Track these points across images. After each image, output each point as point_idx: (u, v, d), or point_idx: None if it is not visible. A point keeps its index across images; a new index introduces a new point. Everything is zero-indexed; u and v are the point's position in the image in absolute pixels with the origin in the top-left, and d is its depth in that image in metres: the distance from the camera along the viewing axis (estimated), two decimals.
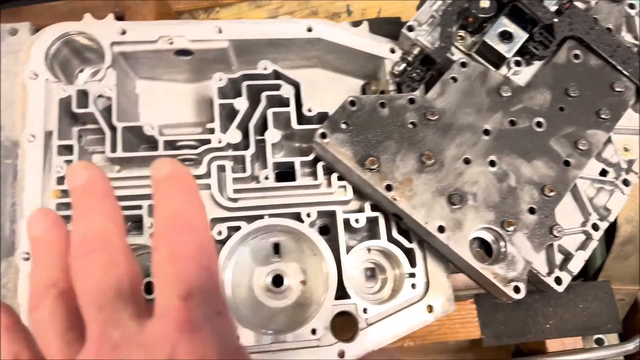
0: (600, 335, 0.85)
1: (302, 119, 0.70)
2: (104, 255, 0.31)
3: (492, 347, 0.84)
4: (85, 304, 0.30)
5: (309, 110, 0.68)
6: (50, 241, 0.33)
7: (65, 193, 0.63)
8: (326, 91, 0.79)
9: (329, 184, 0.67)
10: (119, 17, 0.97)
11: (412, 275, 0.65)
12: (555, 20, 0.65)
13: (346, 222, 0.66)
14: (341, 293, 0.64)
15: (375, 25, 0.80)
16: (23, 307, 0.59)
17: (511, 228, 0.59)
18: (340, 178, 0.67)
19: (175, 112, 0.76)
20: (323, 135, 0.63)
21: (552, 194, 0.61)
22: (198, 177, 0.65)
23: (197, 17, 1.03)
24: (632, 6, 0.70)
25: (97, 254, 0.31)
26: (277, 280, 0.68)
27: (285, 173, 0.69)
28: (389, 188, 0.62)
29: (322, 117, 0.69)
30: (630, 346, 0.80)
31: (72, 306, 0.31)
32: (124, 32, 0.68)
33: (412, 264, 0.66)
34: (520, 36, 0.65)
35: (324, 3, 1.00)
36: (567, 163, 0.63)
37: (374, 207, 0.67)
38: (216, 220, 0.65)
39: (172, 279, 0.30)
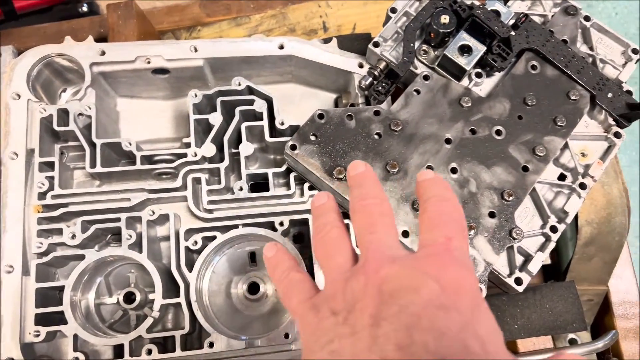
0: (573, 335, 0.88)
1: (275, 132, 0.73)
2: (380, 205, 0.44)
3: None
4: (361, 232, 0.43)
5: (282, 124, 0.71)
6: (329, 205, 0.49)
7: (46, 208, 0.66)
8: (301, 105, 0.83)
9: (302, 194, 0.70)
10: (104, 37, 1.02)
11: None
12: (512, 33, 0.69)
13: None
14: None
15: (347, 41, 0.84)
16: (5, 319, 0.62)
17: (472, 232, 0.62)
18: (311, 187, 0.70)
19: (155, 128, 0.79)
20: (293, 147, 0.66)
21: (511, 198, 0.64)
22: (174, 189, 0.68)
23: (179, 36, 1.06)
24: (587, 18, 0.74)
25: (374, 204, 0.44)
26: (253, 288, 0.71)
27: (261, 184, 0.72)
28: None
29: (294, 130, 0.72)
30: (599, 344, 0.82)
31: (348, 239, 0.46)
32: (103, 53, 0.71)
33: None
34: (479, 49, 0.68)
35: (301, 20, 1.04)
36: (525, 169, 0.66)
37: (345, 215, 0.69)
38: (192, 231, 0.67)
39: (439, 227, 0.41)
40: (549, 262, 0.86)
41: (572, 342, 0.88)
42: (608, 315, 0.89)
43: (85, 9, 1.53)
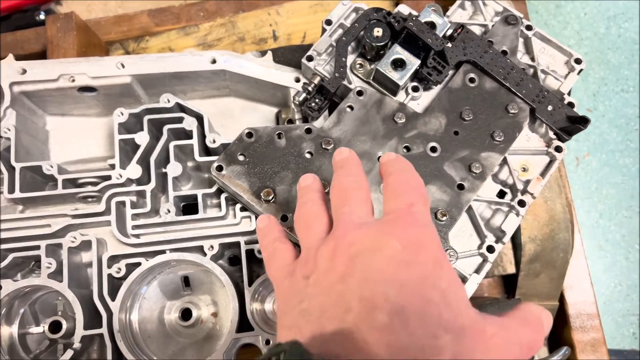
0: None
1: (208, 150, 0.70)
2: (355, 182, 0.47)
3: None
4: (335, 205, 0.46)
5: (213, 142, 0.68)
6: (313, 185, 0.51)
7: None
8: (241, 119, 0.80)
9: (235, 215, 0.68)
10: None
11: None
12: (448, 45, 0.66)
13: (250, 252, 0.66)
14: (249, 324, 0.65)
15: (289, 52, 0.81)
16: None
17: None
18: (243, 209, 0.67)
19: (88, 147, 0.76)
20: (219, 168, 0.64)
21: (445, 218, 0.61)
22: (98, 214, 0.65)
23: (127, 46, 1.03)
24: (529, 28, 0.72)
25: (350, 181, 0.47)
26: (186, 314, 0.68)
27: (195, 205, 0.70)
28: (284, 219, 0.62)
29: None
30: (554, 358, 0.81)
31: (326, 213, 0.47)
32: (24, 72, 0.68)
33: None
34: (413, 63, 0.66)
35: (251, 29, 1.01)
36: (460, 187, 0.63)
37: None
38: (118, 258, 0.65)
39: (401, 195, 0.43)
40: (512, 271, 0.84)
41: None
42: (566, 328, 0.87)
43: (42, 17, 1.49)
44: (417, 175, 0.46)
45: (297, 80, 0.73)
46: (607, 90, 1.60)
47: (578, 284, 0.87)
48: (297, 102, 0.69)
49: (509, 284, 0.89)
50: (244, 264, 0.65)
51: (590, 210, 1.55)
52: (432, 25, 0.67)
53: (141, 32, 1.04)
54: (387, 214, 0.43)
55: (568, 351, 0.81)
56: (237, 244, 0.68)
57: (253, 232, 0.68)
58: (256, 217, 0.67)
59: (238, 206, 0.67)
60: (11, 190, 0.64)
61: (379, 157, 0.64)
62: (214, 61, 0.72)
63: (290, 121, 0.74)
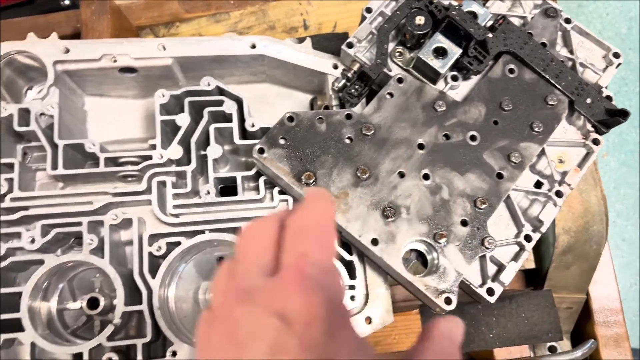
0: (554, 343, 0.87)
1: (246, 133, 0.71)
2: (257, 226, 0.40)
3: None
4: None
5: (252, 126, 0.69)
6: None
7: (4, 210, 0.64)
8: (276, 105, 0.81)
9: (272, 198, 0.68)
10: (80, 33, 0.99)
11: (351, 287, 0.66)
12: (489, 35, 0.67)
13: None
14: None
15: (324, 40, 0.82)
16: None
17: (443, 240, 0.60)
18: (281, 192, 0.68)
19: (124, 128, 0.77)
20: (261, 151, 0.64)
21: (484, 206, 0.62)
22: (139, 193, 0.66)
23: (157, 32, 1.04)
24: (568, 20, 0.72)
25: (250, 226, 0.40)
26: None
27: (232, 187, 0.70)
28: None
29: (265, 132, 0.70)
30: (578, 353, 0.81)
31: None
32: (67, 51, 0.69)
33: (352, 276, 0.66)
34: (455, 52, 0.66)
35: (282, 18, 1.02)
36: (499, 175, 0.64)
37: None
38: (157, 236, 0.65)
39: (294, 241, 0.38)
40: (532, 266, 0.85)
41: (552, 350, 0.87)
42: (589, 322, 0.88)
43: (67, 2, 1.50)
44: (327, 210, 0.39)
45: (335, 67, 0.73)
46: (627, 91, 1.60)
47: (602, 278, 0.87)
48: (336, 89, 0.69)
49: (529, 278, 0.89)
50: None
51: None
52: (474, 15, 0.67)
53: (171, 18, 1.05)
54: (278, 270, 0.37)
55: (594, 344, 0.82)
56: None
57: None
58: (294, 200, 0.67)
59: (276, 189, 0.68)
60: (54, 166, 0.65)
61: (419, 144, 0.65)
62: (253, 46, 0.73)
63: (327, 107, 0.74)
